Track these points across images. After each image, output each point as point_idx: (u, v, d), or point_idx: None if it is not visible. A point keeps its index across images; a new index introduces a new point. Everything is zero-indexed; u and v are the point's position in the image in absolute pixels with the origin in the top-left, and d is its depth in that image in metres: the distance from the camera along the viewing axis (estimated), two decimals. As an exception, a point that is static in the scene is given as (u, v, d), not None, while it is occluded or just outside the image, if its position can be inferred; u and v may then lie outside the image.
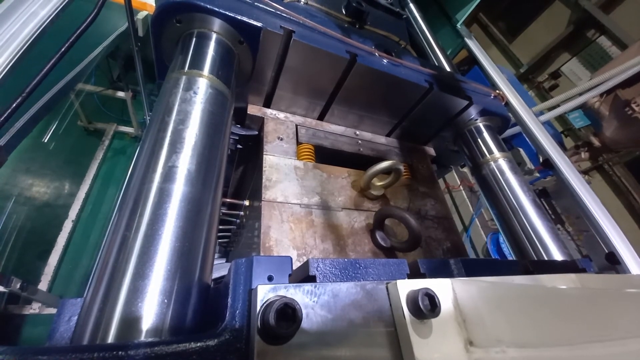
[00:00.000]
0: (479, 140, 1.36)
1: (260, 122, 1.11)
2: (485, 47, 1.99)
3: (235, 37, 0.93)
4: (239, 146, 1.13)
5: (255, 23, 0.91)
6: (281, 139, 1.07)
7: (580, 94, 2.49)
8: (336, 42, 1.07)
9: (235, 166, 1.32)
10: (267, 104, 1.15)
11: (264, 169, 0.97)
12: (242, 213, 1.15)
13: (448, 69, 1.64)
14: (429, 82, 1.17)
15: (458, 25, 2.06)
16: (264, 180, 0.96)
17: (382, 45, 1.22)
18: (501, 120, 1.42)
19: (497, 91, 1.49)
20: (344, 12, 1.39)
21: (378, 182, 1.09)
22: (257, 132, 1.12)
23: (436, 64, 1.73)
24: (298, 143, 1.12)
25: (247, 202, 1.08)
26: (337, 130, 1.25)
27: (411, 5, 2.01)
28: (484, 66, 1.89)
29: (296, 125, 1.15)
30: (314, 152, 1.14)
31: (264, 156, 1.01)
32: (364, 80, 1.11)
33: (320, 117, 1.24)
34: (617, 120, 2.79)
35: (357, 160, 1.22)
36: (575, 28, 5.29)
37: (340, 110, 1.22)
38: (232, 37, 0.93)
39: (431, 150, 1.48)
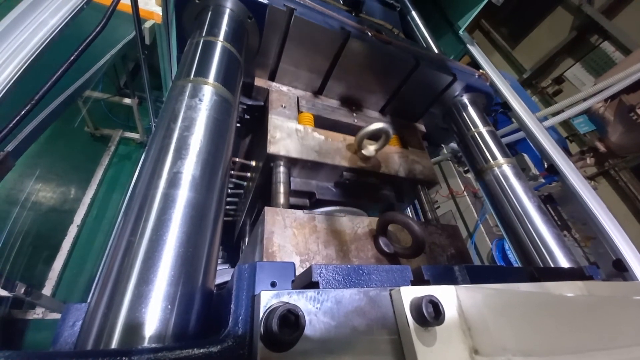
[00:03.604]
0: (482, 145, 1.36)
1: (265, 93, 1.23)
2: (487, 53, 1.99)
3: (245, 13, 1.04)
4: (246, 116, 1.25)
5: (262, 0, 1.04)
6: (284, 107, 1.19)
7: (585, 99, 2.48)
8: (332, 21, 1.17)
9: (242, 138, 1.44)
10: (272, 78, 1.27)
11: (268, 129, 1.08)
12: (249, 175, 1.26)
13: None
14: (415, 59, 1.26)
15: (460, 32, 2.07)
16: (268, 137, 1.06)
17: (376, 30, 1.30)
18: (485, 97, 1.49)
19: (481, 71, 1.55)
20: (340, 1, 1.52)
21: (370, 146, 1.17)
22: (262, 103, 1.23)
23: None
24: (299, 112, 1.23)
25: (253, 163, 1.19)
26: (334, 104, 1.36)
27: (413, 13, 2.03)
28: (487, 72, 1.89)
29: (297, 97, 1.26)
30: (313, 121, 1.25)
31: (269, 119, 1.11)
32: (357, 57, 1.22)
33: (319, 92, 1.36)
34: (622, 125, 2.77)
35: (352, 131, 1.28)
36: (579, 33, 5.29)
37: (337, 86, 1.33)
38: (242, 13, 1.04)
39: (422, 127, 1.57)
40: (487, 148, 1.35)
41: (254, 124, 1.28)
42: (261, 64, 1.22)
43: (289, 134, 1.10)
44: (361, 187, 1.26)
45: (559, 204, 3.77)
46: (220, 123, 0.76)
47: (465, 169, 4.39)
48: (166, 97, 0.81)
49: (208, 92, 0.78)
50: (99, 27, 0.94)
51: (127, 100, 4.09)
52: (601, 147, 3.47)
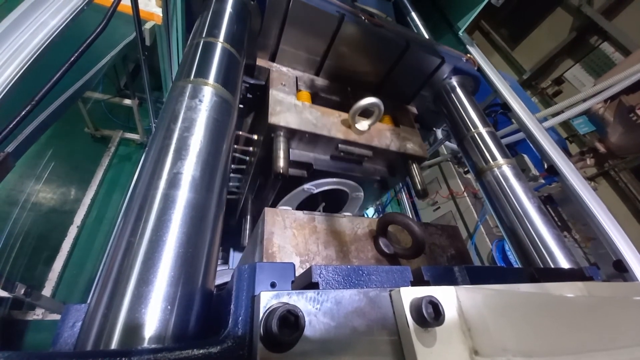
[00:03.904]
0: (482, 146, 1.36)
1: (266, 73, 1.29)
2: (487, 54, 1.99)
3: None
4: (248, 95, 1.33)
5: None
6: (284, 85, 1.26)
7: (584, 100, 2.49)
8: (328, 5, 1.23)
9: (245, 117, 1.51)
10: (272, 59, 1.33)
11: (269, 103, 1.15)
12: (251, 149, 1.35)
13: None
14: (406, 41, 1.32)
15: (460, 33, 2.07)
16: (269, 110, 1.13)
17: (369, 14, 1.35)
18: (472, 79, 1.56)
19: (469, 55, 1.62)
20: None
21: (363, 121, 1.23)
22: (264, 82, 1.30)
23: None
24: (297, 90, 1.30)
25: (255, 137, 1.27)
26: (330, 84, 1.43)
27: (413, 14, 2.04)
28: (486, 73, 1.89)
29: (296, 77, 1.34)
30: (311, 99, 1.33)
31: (270, 94, 1.19)
32: (351, 39, 1.29)
33: (317, 73, 1.42)
34: (622, 126, 2.77)
35: (347, 109, 1.33)
36: (578, 34, 5.30)
37: (333, 67, 1.40)
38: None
39: (414, 109, 1.63)
40: (486, 149, 1.35)
41: (256, 102, 1.36)
42: (263, 46, 1.28)
43: (288, 108, 1.17)
44: (356, 161, 1.35)
45: (559, 205, 3.77)
46: (220, 124, 0.76)
47: (465, 169, 4.40)
48: (166, 98, 0.81)
49: (208, 93, 0.78)
50: (100, 28, 0.94)
51: (127, 101, 4.10)
52: (601, 148, 3.47)
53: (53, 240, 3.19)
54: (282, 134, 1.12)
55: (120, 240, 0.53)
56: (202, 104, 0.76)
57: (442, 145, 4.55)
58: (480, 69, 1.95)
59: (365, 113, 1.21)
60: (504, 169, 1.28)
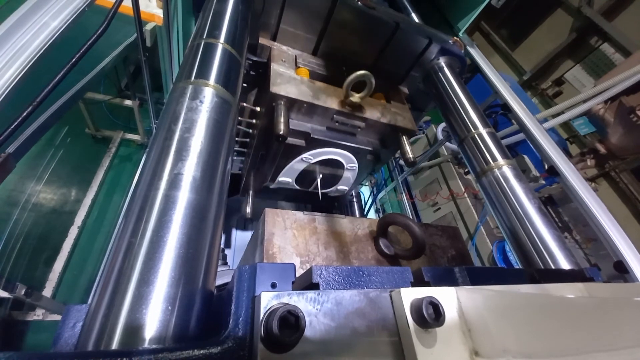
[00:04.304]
0: (482, 146, 1.36)
1: (268, 51, 1.38)
2: (487, 55, 1.99)
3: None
4: (251, 72, 1.42)
5: None
6: (284, 61, 1.36)
7: (585, 101, 2.49)
8: None
9: (247, 94, 1.61)
10: (274, 39, 1.44)
11: (271, 75, 1.25)
12: (254, 121, 1.47)
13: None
14: (396, 22, 1.41)
15: (460, 34, 2.07)
16: (271, 81, 1.23)
17: None
18: (458, 60, 1.62)
19: (455, 37, 1.69)
20: None
21: (356, 94, 1.31)
22: (265, 60, 1.38)
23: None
24: (297, 67, 1.41)
25: (258, 109, 1.38)
26: (326, 63, 1.52)
27: (413, 15, 2.04)
28: (487, 74, 1.89)
29: (295, 56, 1.43)
30: (309, 75, 1.42)
31: (271, 68, 1.29)
32: (345, 20, 1.38)
33: (314, 53, 1.51)
34: (622, 127, 2.77)
35: (342, 84, 1.42)
36: (578, 35, 5.30)
37: (330, 47, 1.49)
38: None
39: (405, 90, 1.71)
40: (487, 150, 1.35)
41: (258, 80, 1.46)
42: (265, 26, 1.38)
43: (288, 80, 1.28)
44: (350, 132, 1.47)
45: (560, 206, 3.77)
46: (221, 124, 0.76)
47: (466, 170, 4.40)
48: (167, 99, 0.81)
49: (209, 94, 0.79)
50: (101, 29, 0.95)
51: (128, 102, 4.10)
52: (601, 149, 3.47)
53: (53, 241, 3.20)
54: (282, 102, 1.22)
55: (121, 241, 0.53)
56: (203, 105, 0.76)
57: (443, 146, 4.56)
58: (480, 70, 1.96)
59: (358, 88, 1.30)
60: (505, 169, 1.28)
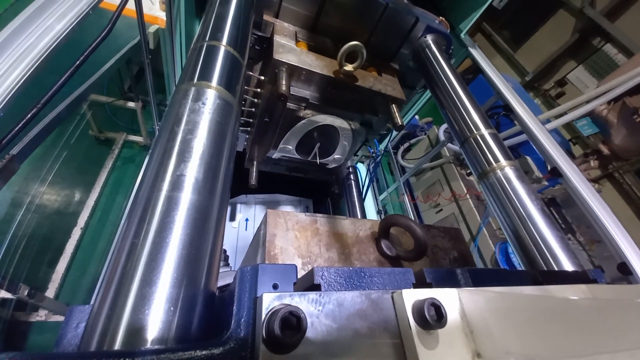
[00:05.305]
0: (484, 148, 1.36)
1: (271, 26, 1.51)
2: (489, 56, 1.99)
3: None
4: (256, 47, 1.56)
5: None
6: (285, 35, 1.50)
7: (588, 102, 2.48)
8: None
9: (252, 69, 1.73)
10: (276, 16, 1.56)
11: (274, 46, 1.39)
12: (259, 90, 1.60)
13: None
14: (385, 1, 1.53)
15: (462, 35, 2.07)
16: (274, 50, 1.36)
17: None
18: (444, 38, 1.74)
19: (441, 17, 1.77)
20: None
21: (350, 65, 1.43)
22: (269, 35, 1.50)
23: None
24: (297, 41, 1.53)
25: (262, 77, 1.52)
26: (324, 39, 1.65)
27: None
28: (489, 75, 1.89)
29: (295, 31, 1.57)
30: (307, 48, 1.54)
31: (274, 40, 1.42)
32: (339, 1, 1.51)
33: (312, 30, 1.64)
34: (626, 128, 2.76)
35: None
36: (581, 36, 5.28)
37: (326, 25, 1.62)
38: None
39: (396, 66, 1.83)
40: (489, 151, 1.34)
41: (262, 54, 1.60)
42: (268, 4, 1.51)
43: (289, 50, 1.42)
44: (344, 100, 1.61)
45: (563, 207, 3.75)
46: (223, 126, 0.77)
47: (468, 171, 4.38)
48: (170, 101, 0.82)
49: (211, 96, 0.79)
50: (105, 32, 0.95)
51: (131, 104, 4.12)
52: (605, 150, 3.45)
53: (56, 242, 3.21)
54: (284, 69, 1.36)
55: (124, 242, 0.53)
56: (205, 107, 0.76)
57: (445, 147, 4.55)
58: (482, 71, 1.95)
59: (351, 59, 1.42)
60: (507, 171, 1.28)
